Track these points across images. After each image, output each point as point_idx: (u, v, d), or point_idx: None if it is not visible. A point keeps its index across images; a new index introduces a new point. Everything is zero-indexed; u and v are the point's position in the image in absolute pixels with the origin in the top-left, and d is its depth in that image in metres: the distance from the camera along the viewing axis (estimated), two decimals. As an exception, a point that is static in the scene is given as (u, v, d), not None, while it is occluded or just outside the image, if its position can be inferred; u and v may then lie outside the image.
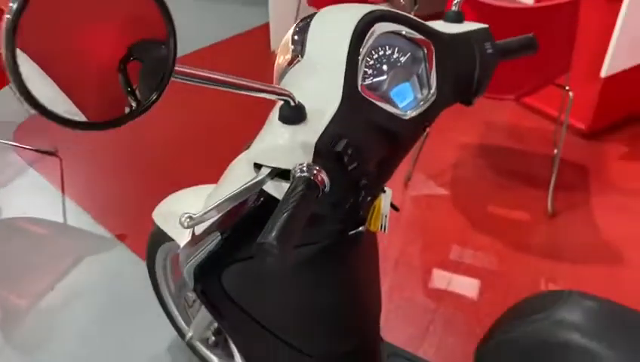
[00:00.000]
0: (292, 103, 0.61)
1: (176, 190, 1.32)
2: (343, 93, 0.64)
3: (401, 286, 1.81)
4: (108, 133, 0.49)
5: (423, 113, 0.73)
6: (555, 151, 2.38)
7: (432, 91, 0.74)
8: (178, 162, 2.46)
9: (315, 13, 0.75)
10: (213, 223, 0.88)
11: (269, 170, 0.64)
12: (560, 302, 0.73)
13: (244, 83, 0.58)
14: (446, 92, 0.76)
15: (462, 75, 0.78)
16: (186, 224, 0.63)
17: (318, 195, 0.59)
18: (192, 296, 1.43)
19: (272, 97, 0.61)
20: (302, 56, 0.70)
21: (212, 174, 1.24)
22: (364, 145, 0.63)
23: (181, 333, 1.56)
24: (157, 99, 0.49)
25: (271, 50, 3.40)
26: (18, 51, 0.41)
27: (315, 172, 0.59)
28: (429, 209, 2.13)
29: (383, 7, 0.73)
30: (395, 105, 0.71)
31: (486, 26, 0.82)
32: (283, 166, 0.63)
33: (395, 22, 0.72)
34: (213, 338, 1.30)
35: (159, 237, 1.34)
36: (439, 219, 2.08)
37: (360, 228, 0.90)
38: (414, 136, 0.76)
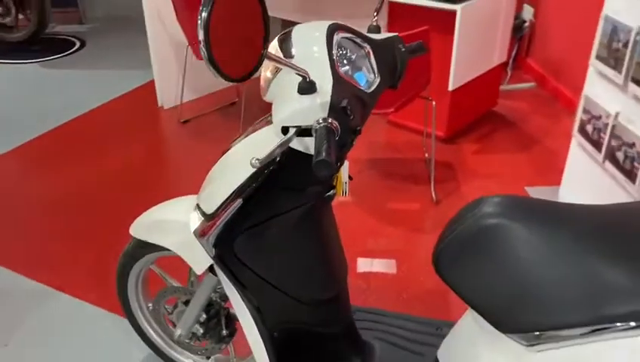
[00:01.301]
0: (308, 79, 0.91)
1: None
2: (332, 74, 0.96)
3: (335, 276, 2.10)
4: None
5: (375, 89, 1.07)
6: (426, 155, 2.92)
7: (376, 76, 1.09)
8: (81, 208, 2.52)
9: (291, 29, 1.06)
10: (225, 201, 1.11)
11: (294, 130, 0.93)
12: (480, 204, 1.09)
13: (283, 61, 0.88)
14: (384, 76, 1.11)
15: (390, 66, 1.15)
16: (257, 165, 0.88)
17: (336, 136, 0.89)
18: (169, 306, 1.57)
19: (294, 71, 0.90)
20: (292, 58, 1.01)
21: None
22: (353, 105, 0.95)
23: (154, 347, 1.67)
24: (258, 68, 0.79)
25: (159, 105, 3.59)
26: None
27: (330, 121, 0.89)
28: (341, 214, 2.46)
29: (337, 22, 1.07)
30: (359, 85, 1.04)
31: (396, 33, 1.20)
32: (306, 123, 0.92)
33: (347, 32, 1.07)
34: (201, 330, 1.46)
35: (137, 252, 1.48)
36: (352, 221, 2.44)
37: (331, 191, 1.21)
38: (373, 104, 1.10)
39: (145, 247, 1.46)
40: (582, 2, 3.29)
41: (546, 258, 0.97)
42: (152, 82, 3.61)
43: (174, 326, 1.53)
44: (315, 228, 1.22)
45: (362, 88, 1.04)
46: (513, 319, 0.99)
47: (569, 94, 3.41)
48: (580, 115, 2.30)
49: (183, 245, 1.32)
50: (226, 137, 3.17)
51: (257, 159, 0.88)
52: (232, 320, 1.50)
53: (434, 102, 2.51)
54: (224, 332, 1.46)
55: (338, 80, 0.96)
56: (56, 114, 3.45)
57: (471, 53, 2.84)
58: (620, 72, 1.99)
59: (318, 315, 1.30)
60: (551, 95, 3.67)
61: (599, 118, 2.15)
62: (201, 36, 0.77)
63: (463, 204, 1.13)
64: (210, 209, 1.14)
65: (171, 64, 3.50)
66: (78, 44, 4.90)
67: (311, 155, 0.99)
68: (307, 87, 0.92)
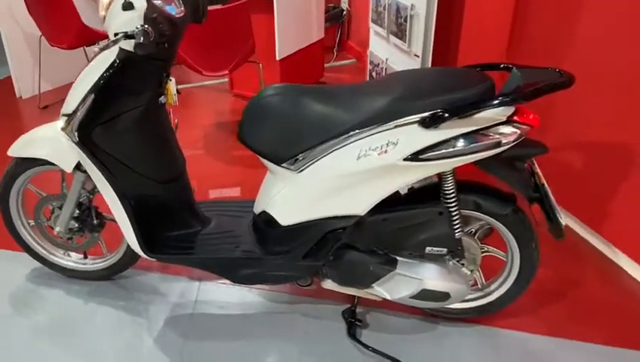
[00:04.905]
0: (127, 1, 1.42)
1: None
2: (146, 1, 1.48)
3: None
4: None
5: (182, 17, 1.60)
6: (265, 115, 3.52)
7: (182, 9, 1.63)
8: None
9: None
10: (82, 98, 1.57)
11: (122, 34, 1.43)
12: (264, 90, 1.65)
13: None
14: (189, 12, 1.65)
15: (193, 5, 1.68)
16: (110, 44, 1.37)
17: (150, 38, 1.41)
18: (45, 218, 1.95)
19: None
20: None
21: None
22: (163, 20, 1.48)
23: (39, 258, 2.04)
24: None
25: (17, 96, 3.79)
26: None
27: (146, 27, 1.41)
28: (194, 164, 2.98)
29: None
30: (169, 12, 1.57)
31: (198, -15, 1.75)
32: (130, 29, 1.43)
33: None
34: (76, 224, 1.88)
35: (15, 171, 1.85)
36: (203, 168, 2.95)
37: (162, 98, 1.72)
38: (182, 27, 1.63)
39: (22, 165, 1.85)
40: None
41: (299, 112, 1.54)
42: (8, 78, 3.80)
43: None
44: (153, 126, 1.72)
45: (172, 14, 1.57)
46: (284, 153, 1.57)
47: (379, 64, 4.24)
48: (368, 66, 3.05)
49: (54, 151, 1.75)
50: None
51: (104, 46, 1.38)
52: (100, 216, 1.94)
53: (260, 65, 3.12)
54: (95, 221, 1.89)
55: (151, 5, 1.49)
56: None
57: (290, 28, 3.51)
58: (384, 28, 2.75)
59: (166, 191, 1.80)
60: (367, 67, 4.50)
61: (378, 65, 2.90)
62: None
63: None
64: (71, 109, 1.60)
65: (27, 57, 3.74)
66: None
67: (139, 57, 1.51)
68: (127, 5, 1.44)
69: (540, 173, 1.57)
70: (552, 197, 1.55)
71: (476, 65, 1.68)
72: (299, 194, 1.61)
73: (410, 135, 1.45)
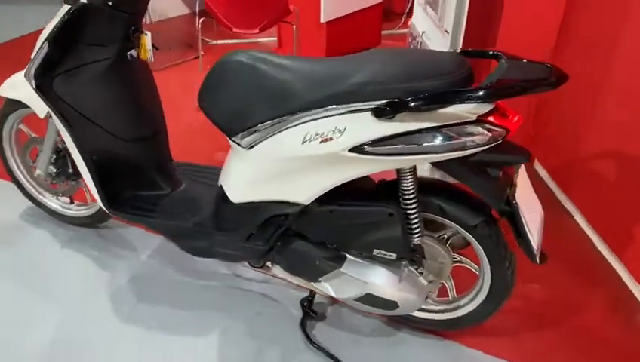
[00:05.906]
0: None
1: None
2: None
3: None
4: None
5: None
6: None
7: None
8: None
9: None
10: (40, 46, 1.54)
11: None
12: (226, 55, 1.51)
13: None
14: None
15: None
16: None
17: None
18: (30, 160, 2.00)
19: None
20: None
21: None
22: None
23: (31, 198, 2.12)
24: None
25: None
26: None
27: None
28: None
29: None
30: None
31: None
32: None
33: None
34: (54, 169, 1.91)
35: (5, 110, 1.90)
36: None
37: (133, 51, 1.65)
38: None
39: (9, 105, 1.89)
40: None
41: (253, 84, 1.37)
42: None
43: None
44: (121, 81, 1.66)
45: None
46: (235, 126, 1.45)
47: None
48: (408, 39, 2.79)
49: (29, 95, 1.76)
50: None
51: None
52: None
53: (294, 26, 2.97)
54: (70, 170, 1.91)
55: None
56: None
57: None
58: (422, -3, 2.48)
59: (132, 149, 1.75)
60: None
61: (415, 37, 2.64)
62: None
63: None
64: (33, 55, 1.59)
65: None
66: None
67: (99, 7, 1.45)
68: None
69: (520, 185, 1.33)
70: (525, 216, 1.30)
71: (465, 50, 1.42)
72: (247, 172, 1.49)
73: (360, 124, 1.27)
